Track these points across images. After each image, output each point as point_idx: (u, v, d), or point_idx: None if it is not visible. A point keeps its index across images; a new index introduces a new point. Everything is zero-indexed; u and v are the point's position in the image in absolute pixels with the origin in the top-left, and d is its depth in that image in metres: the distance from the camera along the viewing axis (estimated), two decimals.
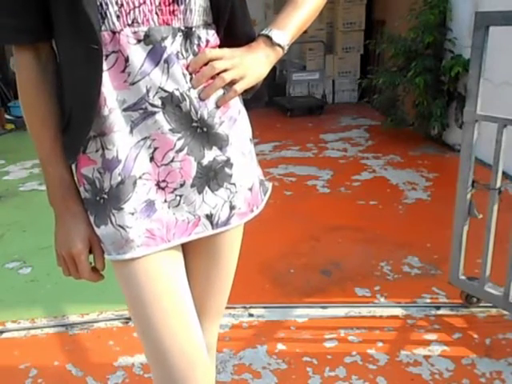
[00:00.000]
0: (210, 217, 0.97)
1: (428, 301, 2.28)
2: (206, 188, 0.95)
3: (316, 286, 2.44)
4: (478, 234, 2.09)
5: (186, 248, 1.04)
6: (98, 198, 0.92)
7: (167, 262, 0.96)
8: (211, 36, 0.92)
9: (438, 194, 3.55)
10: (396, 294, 2.34)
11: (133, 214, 0.90)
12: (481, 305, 2.18)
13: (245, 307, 2.26)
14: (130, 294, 0.96)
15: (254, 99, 1.02)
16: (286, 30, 0.95)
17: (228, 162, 0.96)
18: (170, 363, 0.95)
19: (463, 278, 2.16)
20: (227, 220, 0.99)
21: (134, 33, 0.84)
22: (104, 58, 0.84)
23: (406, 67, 4.58)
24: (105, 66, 0.84)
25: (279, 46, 0.95)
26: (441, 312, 2.19)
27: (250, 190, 1.01)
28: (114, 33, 0.83)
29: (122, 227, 0.90)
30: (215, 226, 0.98)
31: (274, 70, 0.98)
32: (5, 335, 2.17)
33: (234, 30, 0.94)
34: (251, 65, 0.93)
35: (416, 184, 3.76)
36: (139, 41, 0.84)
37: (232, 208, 0.98)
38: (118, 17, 0.82)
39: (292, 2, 0.98)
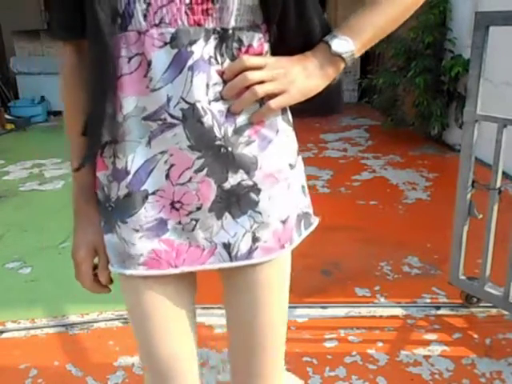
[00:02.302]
0: (227, 246, 0.86)
1: (428, 301, 2.28)
2: (226, 213, 0.84)
3: (316, 285, 2.44)
4: (478, 234, 2.08)
5: (224, 284, 0.97)
6: (106, 205, 0.88)
7: (170, 288, 0.90)
8: (256, 41, 0.79)
9: (438, 194, 3.55)
10: (396, 293, 2.34)
11: (137, 230, 0.84)
12: (481, 305, 2.18)
13: None
14: (129, 308, 0.94)
15: (321, 106, 0.87)
16: (353, 37, 0.80)
17: (254, 187, 0.83)
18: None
19: (463, 278, 2.16)
20: (249, 253, 0.86)
21: (161, 34, 0.75)
22: (127, 60, 0.78)
23: (405, 67, 4.58)
24: (127, 69, 0.78)
25: (339, 56, 0.79)
26: (441, 312, 2.19)
27: (283, 222, 0.87)
28: (139, 33, 0.76)
29: (125, 241, 0.86)
30: (234, 258, 0.86)
31: None
32: (5, 335, 2.17)
33: (286, 33, 0.80)
34: (298, 78, 0.79)
35: (416, 184, 3.76)
36: (165, 43, 0.75)
37: (255, 240, 0.86)
38: (144, 16, 0.75)
39: (371, 1, 0.80)
